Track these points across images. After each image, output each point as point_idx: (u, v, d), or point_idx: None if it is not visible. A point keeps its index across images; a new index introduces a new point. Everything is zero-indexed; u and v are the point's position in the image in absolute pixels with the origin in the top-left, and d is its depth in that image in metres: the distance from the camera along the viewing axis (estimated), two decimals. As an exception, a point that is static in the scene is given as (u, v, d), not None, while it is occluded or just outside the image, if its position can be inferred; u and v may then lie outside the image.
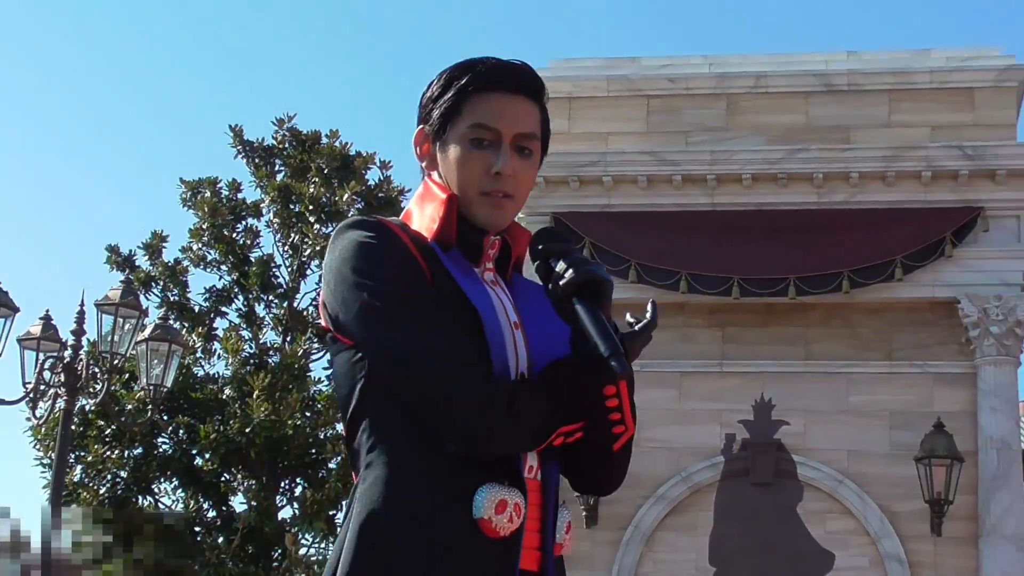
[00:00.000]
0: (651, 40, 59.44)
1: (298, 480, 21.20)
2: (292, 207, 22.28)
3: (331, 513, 20.36)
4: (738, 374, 15.37)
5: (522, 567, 2.54)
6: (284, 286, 22.46)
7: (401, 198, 22.99)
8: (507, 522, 2.50)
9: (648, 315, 2.68)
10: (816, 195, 15.42)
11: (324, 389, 22.15)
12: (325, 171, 22.27)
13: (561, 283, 2.50)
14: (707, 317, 15.64)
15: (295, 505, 20.77)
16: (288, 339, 22.00)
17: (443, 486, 2.50)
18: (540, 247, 2.60)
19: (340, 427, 21.73)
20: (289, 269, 22.46)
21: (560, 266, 2.53)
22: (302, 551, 20.29)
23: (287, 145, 22.86)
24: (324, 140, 22.70)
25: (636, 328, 2.65)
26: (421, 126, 2.79)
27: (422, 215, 2.73)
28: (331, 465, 20.86)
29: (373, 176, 22.95)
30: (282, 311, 22.43)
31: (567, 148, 15.88)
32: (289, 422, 19.87)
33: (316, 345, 22.29)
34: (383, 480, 2.53)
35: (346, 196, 21.98)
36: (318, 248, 21.80)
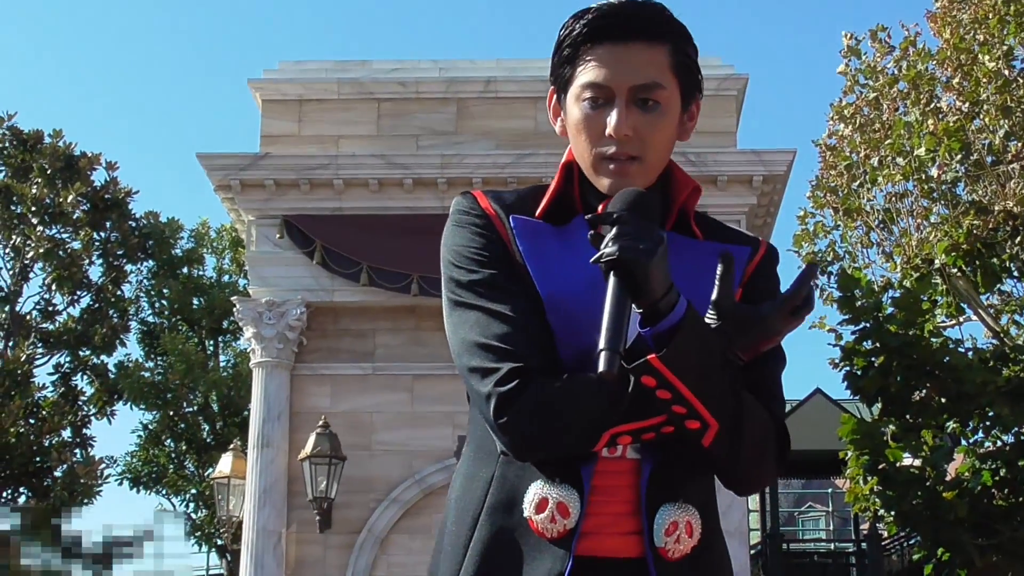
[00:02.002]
0: (381, 43, 59.52)
1: (21, 489, 20.46)
2: (13, 208, 21.51)
3: (54, 523, 19.73)
4: (470, 377, 15.45)
5: (618, 556, 2.33)
6: (5, 289, 21.68)
7: (128, 199, 22.46)
8: (549, 522, 2.30)
9: (794, 283, 2.34)
10: (546, 199, 15.63)
11: (48, 395, 21.46)
12: (48, 171, 21.57)
13: (591, 260, 2.20)
14: (439, 319, 15.58)
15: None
16: (10, 344, 21.22)
17: (500, 484, 2.38)
18: (607, 213, 2.25)
19: (66, 434, 21.20)
20: (11, 272, 21.69)
21: (607, 238, 2.19)
22: (25, 561, 19.59)
23: (7, 144, 22.05)
24: (47, 140, 21.98)
25: (777, 299, 2.33)
26: (552, 88, 2.54)
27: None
28: (56, 473, 20.21)
29: (99, 177, 22.35)
30: (3, 315, 21.64)
31: (297, 151, 15.77)
32: (11, 430, 19.18)
33: (40, 350, 21.57)
34: (457, 478, 2.49)
35: (71, 197, 21.34)
36: (41, 251, 21.13)
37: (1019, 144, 16.30)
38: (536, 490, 2.32)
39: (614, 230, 2.18)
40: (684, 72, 2.45)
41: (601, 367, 2.09)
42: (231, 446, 17.93)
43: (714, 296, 2.31)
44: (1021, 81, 16.18)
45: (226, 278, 26.57)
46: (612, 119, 2.37)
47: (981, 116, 16.60)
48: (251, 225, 16.01)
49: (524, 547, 2.32)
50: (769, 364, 2.46)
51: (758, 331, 2.32)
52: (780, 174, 15.76)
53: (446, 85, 16.23)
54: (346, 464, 14.75)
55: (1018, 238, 17.01)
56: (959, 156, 16.98)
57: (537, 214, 2.47)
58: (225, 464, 17.46)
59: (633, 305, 2.19)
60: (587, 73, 2.40)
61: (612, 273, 2.17)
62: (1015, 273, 18.19)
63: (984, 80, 16.21)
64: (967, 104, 16.57)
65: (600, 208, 2.38)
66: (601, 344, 2.11)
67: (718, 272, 2.31)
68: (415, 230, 15.43)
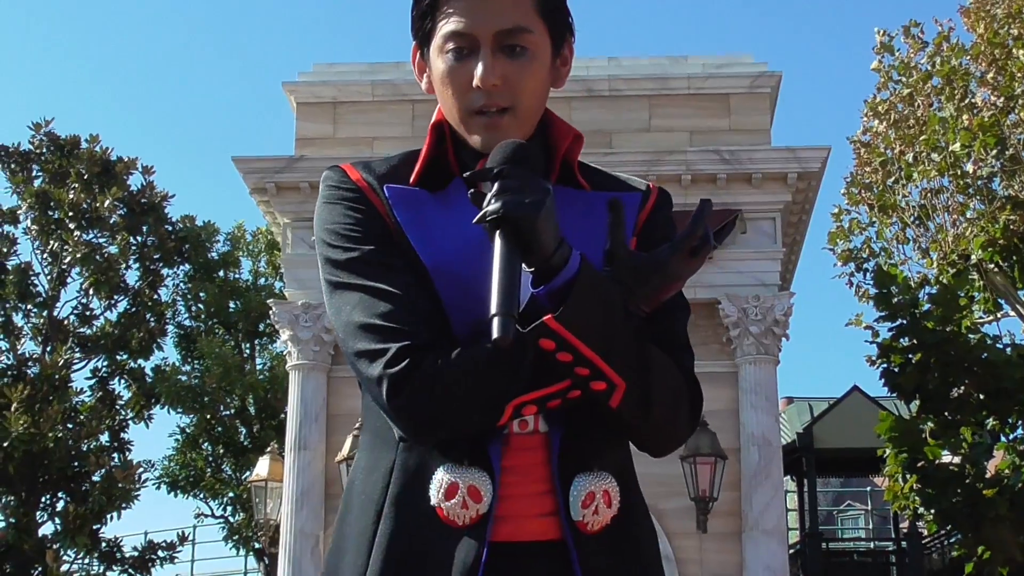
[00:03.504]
0: (405, 45, 59.72)
1: (60, 494, 20.57)
2: (51, 214, 21.63)
3: (95, 527, 19.84)
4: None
5: (537, 539, 2.17)
6: (43, 294, 21.80)
7: (165, 203, 22.55)
8: (460, 508, 2.12)
9: (691, 221, 2.16)
10: (580, 199, 15.61)
11: (86, 400, 21.56)
12: (85, 177, 21.69)
13: (475, 220, 2.03)
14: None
15: (56, 520, 20.16)
16: (48, 349, 21.34)
17: (403, 471, 2.18)
18: (485, 169, 2.09)
19: (104, 438, 21.32)
20: (48, 277, 21.81)
21: (490, 194, 2.04)
22: (64, 567, 19.71)
23: (45, 150, 22.18)
24: (84, 145, 22.10)
25: (671, 241, 2.17)
26: (415, 44, 2.37)
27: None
28: (94, 478, 20.31)
29: (135, 181, 22.43)
30: (41, 320, 21.76)
31: (332, 153, 15.80)
32: (50, 435, 19.28)
33: (78, 354, 21.68)
34: (355, 471, 2.30)
35: (107, 202, 21.44)
36: (79, 255, 21.23)
37: (1056, 138, 16.20)
38: (443, 475, 2.14)
39: (496, 186, 2.03)
40: (552, 14, 2.29)
41: (495, 333, 1.94)
42: (268, 449, 17.97)
43: (607, 247, 2.15)
44: (1057, 75, 16.08)
45: (262, 281, 26.63)
46: (478, 70, 2.21)
47: (1016, 111, 16.51)
48: (287, 228, 16.07)
49: (434, 538, 2.14)
50: (674, 313, 2.31)
51: (658, 278, 2.16)
52: (815, 171, 15.70)
53: (479, 86, 16.23)
54: (383, 466, 14.76)
55: (1055, 233, 16.91)
56: (994, 151, 16.90)
57: (411, 181, 2.31)
58: (262, 467, 17.50)
59: (523, 264, 2.04)
60: (448, 23, 2.24)
61: (498, 232, 2.01)
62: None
63: (1019, 75, 16.13)
64: (1002, 99, 16.50)
65: (478, 166, 2.21)
66: (493, 309, 1.96)
67: (608, 221, 2.15)
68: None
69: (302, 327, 15.47)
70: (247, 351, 25.81)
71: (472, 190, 2.08)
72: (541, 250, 2.04)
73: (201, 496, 24.87)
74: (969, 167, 16.79)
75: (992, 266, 16.97)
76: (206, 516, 24.78)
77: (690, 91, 16.21)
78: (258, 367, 25.45)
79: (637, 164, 15.52)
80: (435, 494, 2.14)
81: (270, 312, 16.36)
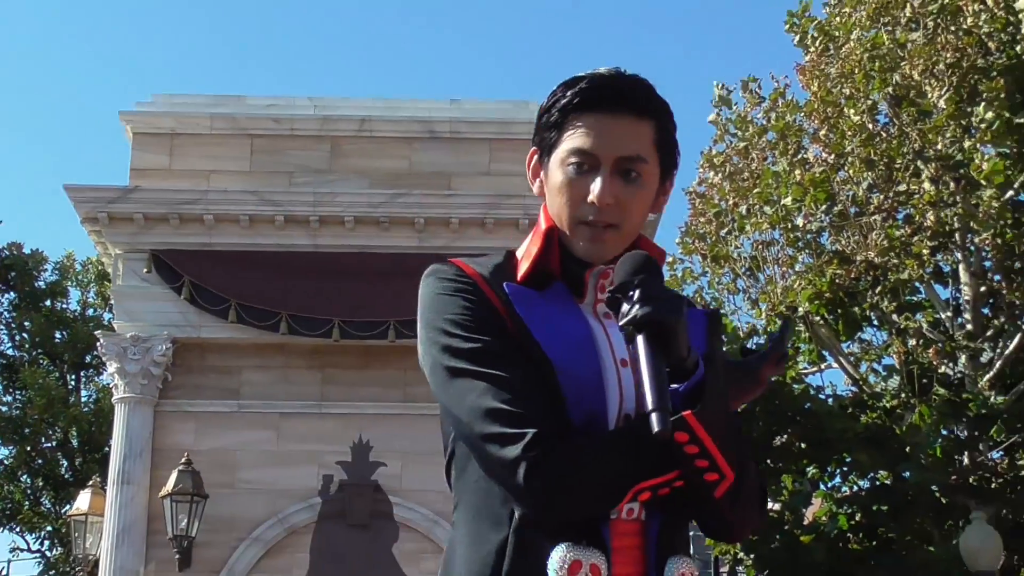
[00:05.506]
0: (257, 78, 59.19)
1: None
2: None
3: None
4: (336, 416, 15.38)
5: None
6: None
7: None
8: None
9: (775, 337, 2.47)
10: (418, 239, 15.63)
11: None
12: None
13: (624, 320, 2.27)
14: (307, 358, 15.60)
15: None
16: None
17: (517, 549, 2.34)
18: (619, 278, 2.34)
19: None
20: None
21: (630, 300, 2.28)
22: None
23: None
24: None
25: (761, 352, 2.45)
26: (533, 148, 2.62)
27: (527, 249, 2.56)
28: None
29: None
30: None
31: (168, 185, 15.59)
32: None
33: None
34: (461, 542, 2.43)
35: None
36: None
37: (881, 196, 16.69)
38: (564, 553, 2.31)
39: (638, 292, 2.26)
40: (665, 149, 2.53)
41: (656, 427, 2.15)
42: (90, 483, 17.59)
43: (705, 351, 2.41)
44: (884, 135, 16.58)
45: (91, 312, 26.12)
46: (596, 187, 2.44)
47: (846, 168, 16.97)
48: (118, 259, 15.77)
49: None
50: (738, 416, 2.59)
51: (748, 382, 2.49)
52: (650, 220, 15.91)
53: (321, 123, 16.18)
54: (209, 502, 14.54)
55: (878, 288, 17.40)
56: (824, 206, 17.34)
57: (519, 279, 2.51)
58: (83, 501, 17.11)
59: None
60: (575, 139, 2.47)
61: (642, 334, 2.24)
62: (875, 322, 18.61)
63: (849, 133, 16.59)
64: (833, 156, 16.94)
65: (600, 272, 2.48)
66: (650, 405, 2.17)
67: (707, 329, 2.49)
68: (286, 268, 15.33)
69: (130, 360, 15.17)
70: (72, 383, 25.25)
71: (608, 295, 2.33)
72: (679, 352, 2.28)
73: (18, 530, 24.21)
74: (799, 221, 17.18)
75: (818, 318, 17.37)
76: (22, 551, 24.14)
77: (530, 136, 16.21)
78: (83, 399, 24.92)
79: (476, 207, 15.59)
80: (555, 571, 2.30)
81: (97, 344, 16.02)
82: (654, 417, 2.16)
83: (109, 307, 21.62)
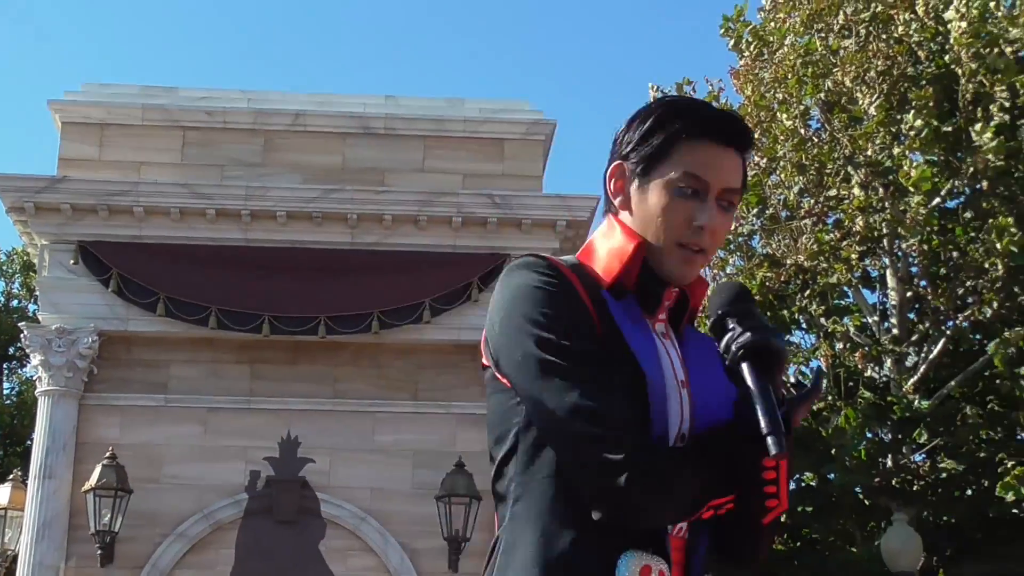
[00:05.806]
0: (189, 70, 58.65)
1: None
2: None
3: None
4: (265, 411, 15.27)
5: None
6: None
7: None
8: None
9: (812, 381, 2.54)
10: (350, 235, 15.55)
11: None
12: None
13: (735, 345, 2.41)
14: (236, 353, 15.49)
15: None
16: None
17: (587, 549, 2.40)
18: (720, 306, 2.49)
19: None
20: None
21: (737, 327, 2.43)
22: None
23: None
24: None
25: (799, 394, 2.51)
26: (619, 162, 2.64)
27: (605, 255, 2.60)
28: None
29: None
30: None
31: (97, 176, 15.42)
32: None
33: None
34: (527, 538, 2.44)
35: None
36: None
37: (812, 201, 16.83)
38: (634, 558, 2.39)
39: (750, 321, 2.43)
40: (745, 179, 2.67)
41: (773, 449, 2.28)
42: (11, 476, 17.37)
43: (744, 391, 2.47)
44: (816, 140, 16.73)
45: (15, 303, 25.80)
46: (707, 213, 2.52)
47: (778, 172, 17.09)
48: (44, 250, 15.57)
49: None
50: None
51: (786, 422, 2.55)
52: (584, 219, 15.94)
53: (254, 116, 16.06)
54: (133, 497, 14.39)
55: (807, 291, 17.55)
56: (755, 210, 17.46)
57: (607, 286, 2.57)
58: (3, 495, 16.90)
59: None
60: (690, 164, 2.53)
61: (749, 360, 2.37)
62: (803, 325, 18.77)
63: (781, 137, 16.72)
64: (765, 160, 17.05)
65: (665, 293, 2.60)
66: (766, 428, 2.29)
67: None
68: (216, 262, 15.20)
69: (55, 352, 14.99)
70: (-5, 374, 24.94)
71: (715, 318, 2.48)
72: (781, 378, 2.42)
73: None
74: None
75: (747, 321, 17.46)
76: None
77: (465, 134, 16.30)
78: (5, 391, 24.61)
79: (409, 204, 15.54)
80: (628, 573, 2.38)
81: (21, 335, 15.81)
82: (770, 440, 2.28)
83: (34, 298, 21.36)
